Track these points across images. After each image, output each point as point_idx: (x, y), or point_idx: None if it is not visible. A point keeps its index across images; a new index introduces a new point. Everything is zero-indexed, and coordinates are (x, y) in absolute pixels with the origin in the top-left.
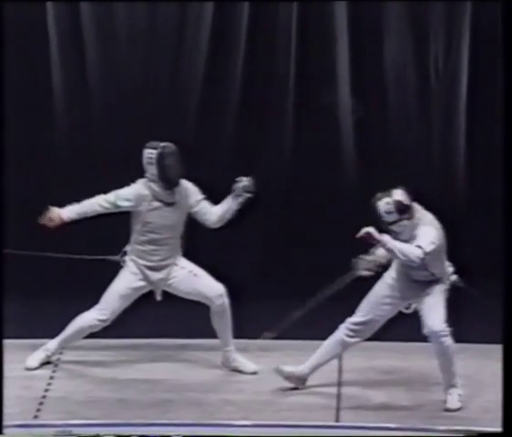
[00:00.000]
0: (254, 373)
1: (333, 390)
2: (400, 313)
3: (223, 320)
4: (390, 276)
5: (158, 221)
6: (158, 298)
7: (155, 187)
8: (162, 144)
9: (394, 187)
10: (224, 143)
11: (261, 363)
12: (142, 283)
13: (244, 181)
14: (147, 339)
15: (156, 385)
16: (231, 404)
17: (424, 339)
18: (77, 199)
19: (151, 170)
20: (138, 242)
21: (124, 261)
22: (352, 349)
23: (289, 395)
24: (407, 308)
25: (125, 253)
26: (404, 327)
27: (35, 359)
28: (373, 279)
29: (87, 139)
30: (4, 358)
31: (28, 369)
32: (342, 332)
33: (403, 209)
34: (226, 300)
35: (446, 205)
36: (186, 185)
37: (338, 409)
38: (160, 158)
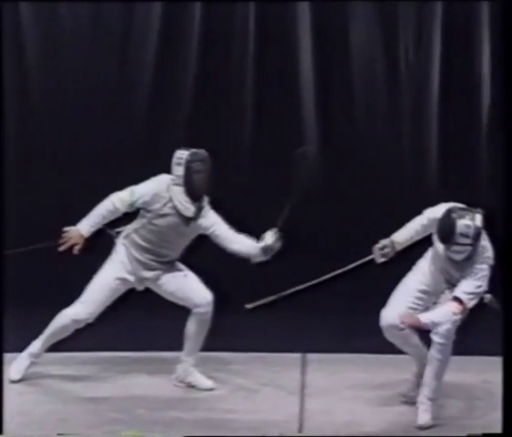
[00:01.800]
0: (210, 390)
1: (295, 406)
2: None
3: (200, 330)
4: (423, 268)
5: (165, 229)
6: (140, 289)
7: (176, 191)
8: (196, 149)
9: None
10: (177, 146)
11: (217, 379)
12: (128, 276)
13: (270, 239)
14: (93, 352)
15: (102, 403)
16: (184, 423)
17: (392, 351)
18: (17, 200)
19: (178, 171)
20: (138, 233)
21: (116, 237)
22: (315, 361)
23: (247, 413)
24: (434, 303)
25: (118, 233)
26: (371, 337)
27: (18, 370)
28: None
29: (30, 139)
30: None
31: (13, 381)
32: None
33: (478, 236)
34: (211, 310)
35: (417, 201)
36: (206, 206)
37: (300, 427)
38: (190, 160)
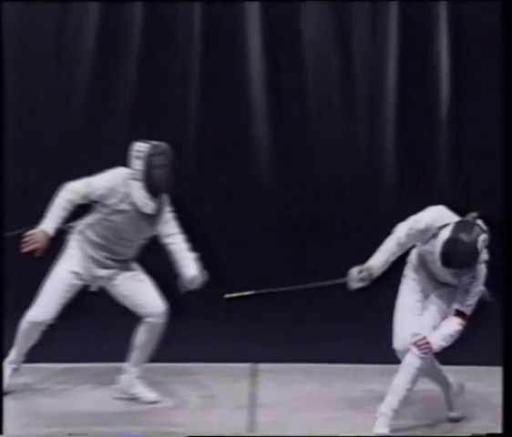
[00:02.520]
0: (154, 403)
1: (245, 419)
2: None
3: (150, 341)
4: (412, 275)
5: (121, 226)
6: (94, 289)
7: (135, 186)
8: (156, 142)
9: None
10: (118, 148)
11: (162, 391)
12: (82, 271)
13: (193, 272)
14: (29, 364)
15: (37, 417)
16: None
17: (344, 360)
18: None
19: (137, 165)
20: (92, 229)
21: (69, 232)
22: (266, 371)
23: (193, 427)
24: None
25: (71, 228)
26: (322, 346)
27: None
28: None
29: None
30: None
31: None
32: None
33: None
34: (163, 322)
35: (373, 200)
36: (167, 208)
37: None
38: (151, 154)
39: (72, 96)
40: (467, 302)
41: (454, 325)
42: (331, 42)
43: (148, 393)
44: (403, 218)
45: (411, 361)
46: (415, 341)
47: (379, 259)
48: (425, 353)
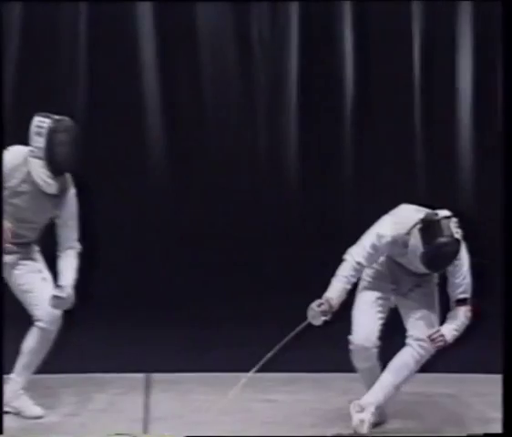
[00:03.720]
0: (38, 418)
1: (139, 432)
2: None
3: (40, 348)
4: (374, 275)
5: (23, 208)
6: None
7: (36, 165)
8: (59, 116)
9: None
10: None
11: (47, 404)
12: None
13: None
14: None
15: None
16: None
17: (246, 369)
18: None
19: (38, 142)
20: None
21: None
22: (161, 382)
23: None
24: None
25: None
26: (221, 355)
27: None
28: None
29: None
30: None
31: None
32: None
33: None
34: (55, 329)
35: (274, 206)
36: (71, 192)
37: None
38: (53, 130)
39: None
40: (463, 286)
41: (462, 313)
42: (229, 42)
43: (31, 407)
44: (307, 219)
45: (406, 361)
46: (430, 335)
47: (336, 289)
48: (439, 346)
